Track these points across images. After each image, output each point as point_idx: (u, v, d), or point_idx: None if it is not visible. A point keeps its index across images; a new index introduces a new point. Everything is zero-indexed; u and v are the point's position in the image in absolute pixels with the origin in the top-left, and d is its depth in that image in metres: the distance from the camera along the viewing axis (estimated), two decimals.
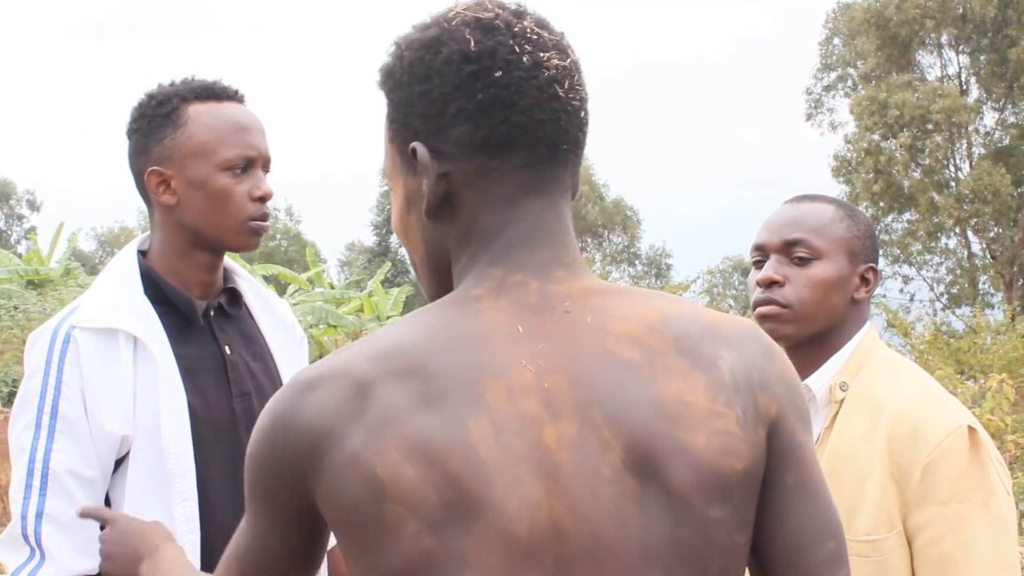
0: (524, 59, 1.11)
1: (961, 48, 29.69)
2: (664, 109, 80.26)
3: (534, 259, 1.13)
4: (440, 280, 1.21)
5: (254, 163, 1.99)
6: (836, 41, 31.62)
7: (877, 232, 1.99)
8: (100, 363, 1.88)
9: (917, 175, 28.40)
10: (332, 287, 20.40)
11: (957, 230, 29.22)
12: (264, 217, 2.01)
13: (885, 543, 1.76)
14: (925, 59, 30.28)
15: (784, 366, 1.16)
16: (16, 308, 13.84)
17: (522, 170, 1.13)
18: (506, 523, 1.02)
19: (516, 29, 1.12)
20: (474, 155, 1.13)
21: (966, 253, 30.08)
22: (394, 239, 46.61)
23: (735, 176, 73.92)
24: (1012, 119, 29.87)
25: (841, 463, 1.83)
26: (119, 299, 1.95)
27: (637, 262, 44.44)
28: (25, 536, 1.83)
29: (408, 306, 31.81)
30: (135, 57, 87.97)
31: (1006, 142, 29.49)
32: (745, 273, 42.16)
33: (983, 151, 29.24)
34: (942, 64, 30.33)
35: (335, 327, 16.56)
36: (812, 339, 1.92)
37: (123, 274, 2.00)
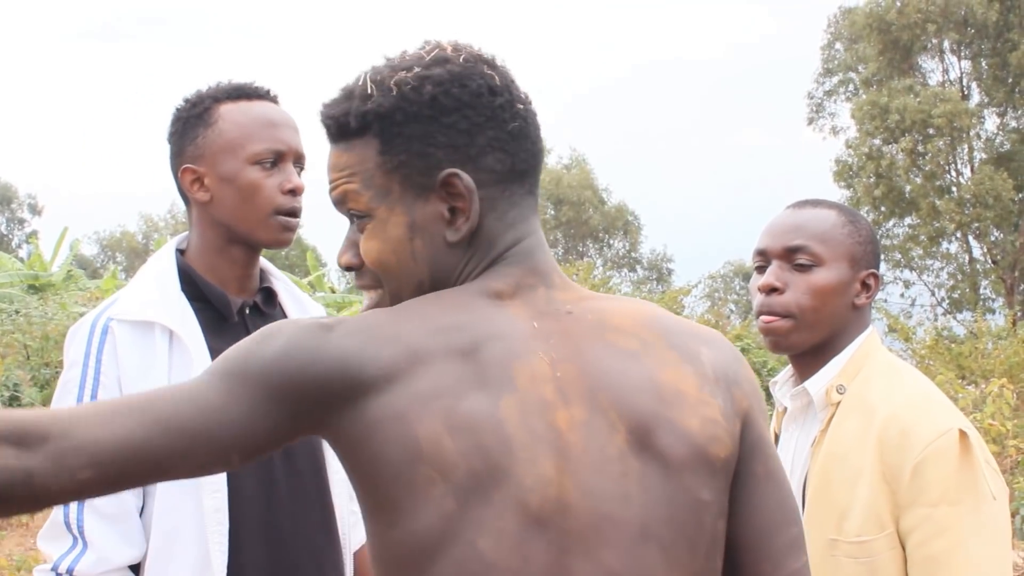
0: (523, 93, 1.24)
1: (963, 53, 29.69)
2: (665, 113, 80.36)
3: (542, 266, 1.24)
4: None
5: (284, 157, 2.04)
6: (838, 45, 31.63)
7: (878, 237, 1.98)
8: (136, 354, 1.93)
9: (918, 180, 28.39)
10: (333, 291, 20.38)
11: (958, 235, 29.20)
12: (294, 212, 2.05)
13: (875, 544, 1.77)
14: (927, 64, 30.30)
15: (749, 370, 1.28)
16: (17, 312, 13.82)
17: (529, 193, 1.25)
18: (522, 494, 1.10)
19: (500, 67, 1.24)
20: (500, 181, 1.22)
21: (967, 258, 30.07)
22: None
23: (736, 180, 73.99)
24: (1013, 124, 29.86)
25: (834, 465, 1.84)
26: (156, 294, 2.00)
27: (638, 267, 44.42)
28: (67, 524, 1.86)
29: None
30: (137, 59, 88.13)
31: (1007, 147, 29.47)
32: (746, 278, 42.15)
33: (984, 156, 29.23)
34: (944, 69, 30.35)
35: None
36: (814, 346, 1.92)
37: (161, 270, 2.05)
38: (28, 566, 6.35)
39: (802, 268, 1.90)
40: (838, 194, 28.72)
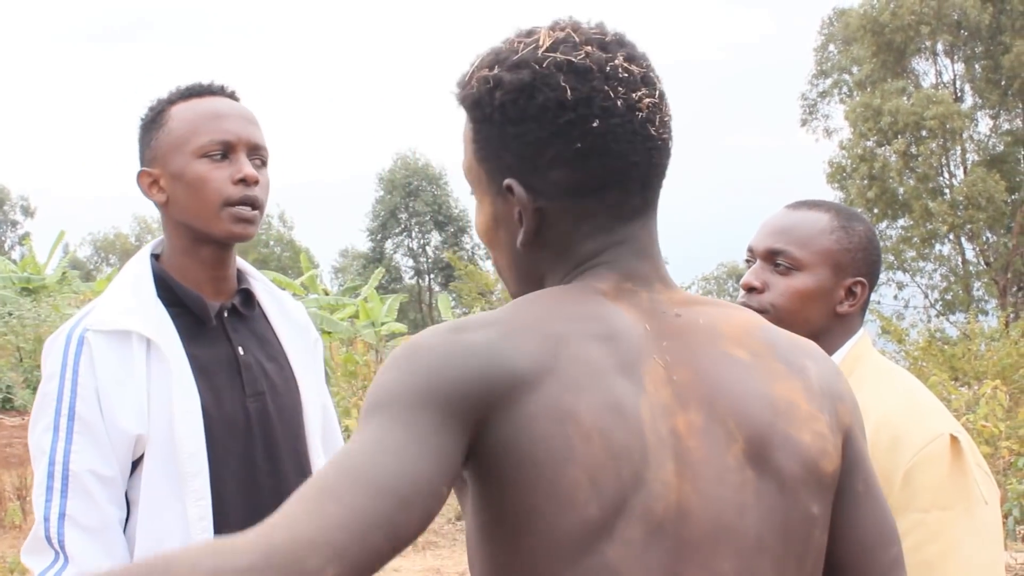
0: (619, 104, 1.14)
1: (956, 55, 29.77)
2: None
3: (638, 273, 1.19)
4: (528, 288, 1.24)
5: (233, 148, 1.98)
6: (831, 47, 31.70)
7: None
8: (113, 364, 1.90)
9: (911, 181, 28.46)
10: (326, 293, 20.39)
11: (951, 237, 29.28)
12: (248, 201, 1.98)
13: None
14: (920, 66, 30.39)
15: (848, 383, 1.24)
16: (10, 314, 13.81)
17: (616, 205, 1.18)
18: (651, 501, 1.06)
19: (608, 70, 1.14)
20: (568, 196, 1.17)
21: (960, 260, 30.14)
22: (388, 245, 46.64)
23: (730, 182, 74.06)
24: (1006, 126, 29.96)
25: None
26: (132, 302, 1.97)
27: None
28: (48, 538, 1.84)
29: (403, 312, 31.73)
30: (131, 62, 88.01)
31: (1000, 149, 29.57)
32: (739, 280, 42.20)
33: (977, 158, 29.31)
34: (937, 71, 30.44)
35: (329, 333, 16.55)
36: None
37: (136, 277, 2.02)
38: (22, 569, 6.35)
39: (782, 271, 1.90)
40: (831, 196, 28.76)
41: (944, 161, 28.94)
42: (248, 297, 2.12)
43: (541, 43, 1.16)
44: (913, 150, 27.74)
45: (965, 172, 28.76)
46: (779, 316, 1.88)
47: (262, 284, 2.18)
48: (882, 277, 29.90)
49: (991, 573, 1.73)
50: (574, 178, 1.16)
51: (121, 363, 1.91)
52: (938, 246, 30.18)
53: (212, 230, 1.98)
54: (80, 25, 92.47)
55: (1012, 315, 19.78)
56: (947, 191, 28.64)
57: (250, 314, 2.11)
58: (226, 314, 2.06)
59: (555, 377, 1.06)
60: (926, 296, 30.64)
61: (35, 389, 10.64)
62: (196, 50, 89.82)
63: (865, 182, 28.19)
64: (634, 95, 1.15)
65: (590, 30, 1.18)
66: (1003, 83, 28.65)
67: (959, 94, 29.84)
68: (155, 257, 2.07)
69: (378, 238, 46.10)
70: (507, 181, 1.17)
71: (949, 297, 30.28)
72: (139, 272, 2.02)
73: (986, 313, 27.16)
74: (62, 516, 1.84)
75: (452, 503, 7.60)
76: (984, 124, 30.06)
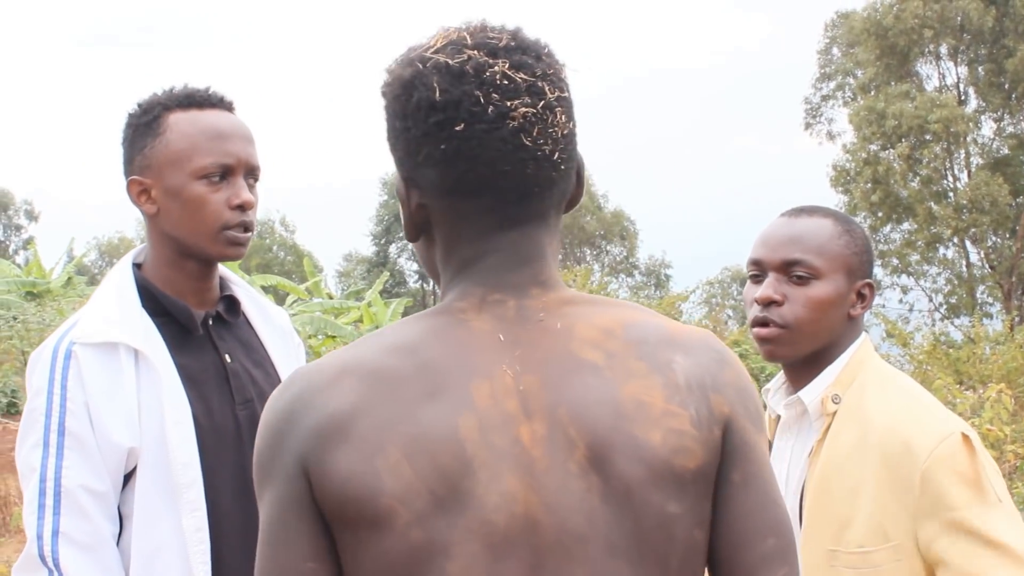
0: (489, 110, 1.13)
1: (959, 58, 29.73)
2: (662, 119, 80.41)
3: (511, 281, 1.20)
4: (438, 282, 1.29)
5: (233, 171, 1.97)
6: (835, 51, 31.68)
7: (875, 242, 1.96)
8: (103, 377, 1.88)
9: (915, 185, 28.41)
10: (331, 297, 20.39)
11: (955, 240, 29.22)
12: (243, 226, 1.98)
13: (876, 555, 1.76)
14: (923, 69, 30.33)
15: (737, 372, 1.22)
16: (15, 319, 13.82)
17: (491, 211, 1.18)
18: (487, 514, 1.09)
19: (486, 75, 1.14)
20: (444, 196, 1.19)
21: (964, 263, 30.08)
22: (393, 249, 46.65)
23: (733, 186, 74.01)
24: (1010, 129, 29.89)
25: (833, 475, 1.83)
26: (117, 313, 1.94)
27: (636, 272, 44.44)
28: (42, 556, 1.81)
29: (407, 316, 31.68)
30: (135, 66, 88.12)
31: (1004, 152, 29.51)
32: (743, 284, 42.13)
33: (981, 161, 29.25)
34: (940, 74, 30.38)
35: (334, 337, 16.54)
36: (808, 356, 1.92)
37: (120, 287, 1.99)
38: None
39: (799, 280, 1.89)
40: (835, 199, 28.77)
41: (948, 164, 28.89)
42: (232, 304, 2.10)
43: (433, 43, 1.18)
44: (917, 154, 27.70)
45: (969, 175, 28.71)
46: (802, 329, 1.88)
47: (244, 290, 2.17)
48: (886, 281, 29.89)
49: None
50: (445, 179, 1.17)
51: (110, 376, 1.88)
52: (942, 250, 30.12)
53: (206, 251, 1.98)
54: (85, 29, 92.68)
55: (1017, 319, 19.77)
56: (951, 195, 28.59)
57: (235, 321, 2.10)
58: (211, 322, 2.04)
59: (365, 416, 1.10)
60: (930, 300, 30.58)
61: None
62: (200, 54, 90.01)
63: (869, 186, 28.14)
64: (508, 103, 1.14)
65: (490, 34, 1.17)
66: (1007, 87, 28.60)
67: (963, 97, 29.80)
68: (136, 266, 2.04)
69: (382, 242, 46.09)
70: (399, 176, 1.22)
71: (953, 301, 30.21)
72: (122, 283, 2.00)
73: (991, 317, 27.07)
74: (55, 533, 1.82)
75: None
76: (988, 127, 30.02)
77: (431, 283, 48.47)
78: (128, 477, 1.90)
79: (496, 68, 1.14)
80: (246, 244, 2.01)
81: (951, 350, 13.48)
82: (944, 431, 1.76)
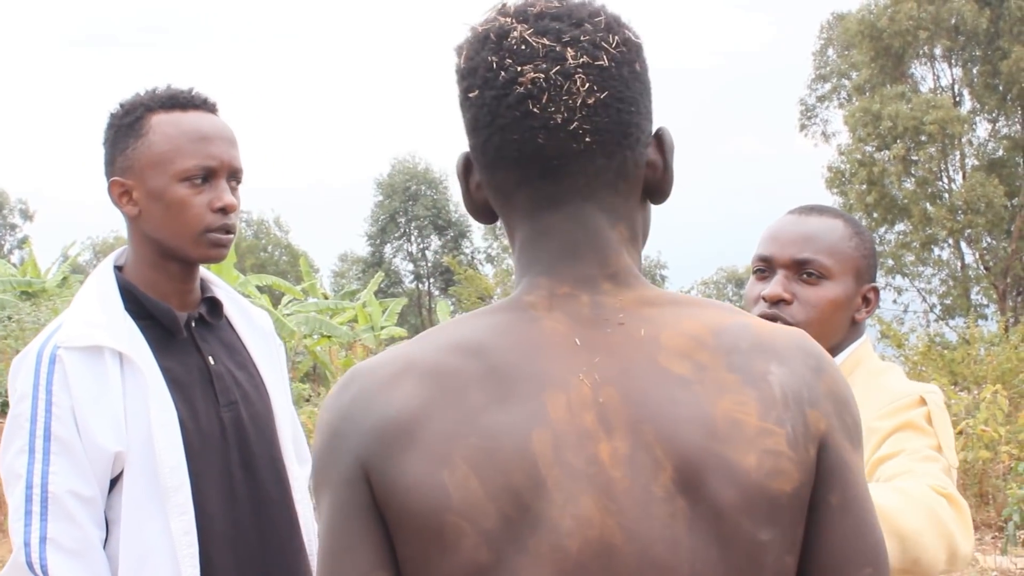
0: (500, 76, 1.08)
1: (954, 60, 29.78)
2: (658, 119, 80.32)
3: (576, 272, 1.11)
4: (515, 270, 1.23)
5: (215, 173, 1.96)
6: (830, 52, 31.72)
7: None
8: (88, 381, 1.87)
9: (910, 186, 28.47)
10: (326, 297, 20.37)
11: (950, 241, 29.27)
12: (225, 229, 1.98)
13: None
14: (918, 70, 30.39)
15: (834, 380, 1.12)
16: (10, 319, 13.80)
17: (524, 186, 1.12)
18: (560, 539, 1.01)
19: (506, 41, 1.08)
20: (483, 169, 1.14)
21: (959, 264, 30.13)
22: (388, 249, 46.62)
23: (729, 187, 74.10)
24: (1005, 130, 29.95)
25: None
26: (100, 316, 1.93)
27: None
28: (30, 564, 1.80)
29: (403, 316, 31.65)
30: (130, 67, 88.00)
31: (999, 153, 29.57)
32: (739, 284, 42.13)
33: (976, 162, 29.31)
34: (935, 76, 30.43)
35: (329, 337, 16.55)
36: None
37: (102, 290, 1.98)
38: None
39: (810, 280, 1.87)
40: (830, 201, 28.75)
41: (943, 166, 28.94)
42: (214, 306, 2.10)
43: (490, 11, 1.13)
44: (912, 155, 27.74)
45: (964, 177, 28.76)
46: (809, 328, 1.84)
47: (225, 292, 2.16)
48: (881, 282, 29.90)
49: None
50: (478, 150, 1.13)
51: (96, 379, 1.87)
52: (937, 251, 30.17)
53: (188, 253, 1.97)
54: (79, 29, 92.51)
55: (1012, 320, 19.78)
56: (946, 196, 28.64)
57: (217, 323, 2.09)
58: (194, 324, 2.04)
59: (429, 421, 1.03)
60: (925, 301, 30.64)
61: None
62: (198, 54, 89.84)
63: (864, 187, 28.18)
64: (520, 68, 1.07)
65: (543, 3, 1.11)
66: (1001, 88, 28.65)
67: (958, 99, 29.85)
68: (118, 269, 2.03)
69: (377, 243, 46.07)
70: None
71: (948, 302, 30.26)
72: (104, 285, 1.99)
73: (985, 318, 27.12)
74: (43, 540, 1.80)
75: None
76: (983, 129, 30.09)
77: (427, 283, 48.48)
78: (114, 482, 1.89)
79: (516, 33, 1.08)
80: (228, 246, 2.01)
81: (946, 351, 13.48)
82: (899, 394, 1.79)
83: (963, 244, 29.43)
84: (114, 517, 1.89)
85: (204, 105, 2.01)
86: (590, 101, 1.08)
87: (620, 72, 1.10)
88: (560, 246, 1.12)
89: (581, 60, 1.08)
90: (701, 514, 1.03)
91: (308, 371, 17.10)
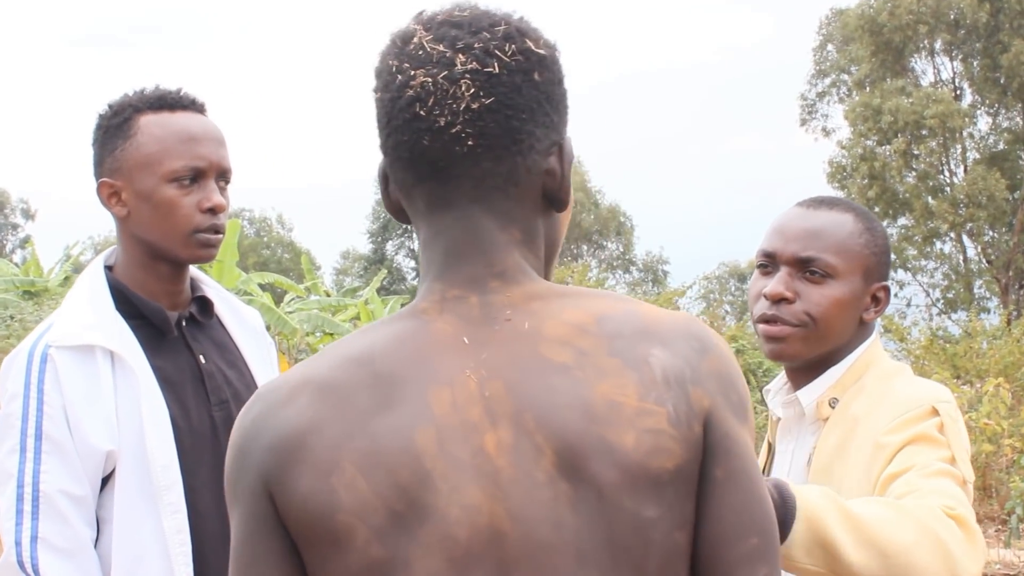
0: (397, 79, 1.13)
1: (954, 53, 29.75)
2: (658, 116, 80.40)
3: (464, 273, 1.15)
4: None
5: (204, 174, 1.97)
6: (830, 47, 31.69)
7: None
8: (80, 380, 1.87)
9: (912, 180, 28.45)
10: (328, 295, 20.37)
11: (952, 235, 29.26)
12: (214, 229, 1.98)
13: None
14: (919, 65, 30.36)
15: (719, 360, 1.14)
16: (12, 318, 13.80)
17: (419, 186, 1.16)
18: (448, 528, 1.05)
19: (407, 46, 1.13)
20: (390, 167, 1.19)
21: (961, 258, 30.12)
22: (390, 247, 46.63)
23: (730, 182, 74.04)
24: (1006, 124, 29.93)
25: (820, 481, 1.74)
26: (91, 316, 1.94)
27: (633, 268, 44.43)
28: (21, 563, 1.80)
29: None
30: (130, 66, 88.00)
31: (1000, 147, 29.55)
32: (741, 279, 42.11)
33: (977, 156, 29.29)
34: (935, 69, 30.41)
35: (331, 335, 16.54)
36: (814, 359, 1.82)
37: (93, 290, 1.99)
38: None
39: (814, 279, 1.78)
40: (834, 195, 28.71)
41: (944, 160, 28.93)
42: (204, 305, 2.10)
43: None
44: (913, 149, 27.73)
45: (965, 170, 28.74)
46: (812, 329, 1.78)
47: (215, 291, 2.16)
48: None
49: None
50: (382, 149, 1.18)
51: (87, 378, 1.88)
52: (939, 244, 30.17)
53: (177, 253, 1.98)
54: (79, 28, 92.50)
55: (1014, 313, 19.78)
56: (948, 189, 28.62)
57: (207, 322, 2.10)
58: (184, 323, 2.04)
59: (319, 433, 1.09)
60: (928, 294, 30.63)
61: None
62: (196, 54, 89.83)
63: (865, 181, 28.16)
64: (413, 72, 1.12)
65: (448, 11, 1.16)
66: (1002, 81, 28.63)
67: (958, 92, 29.83)
68: (108, 268, 2.03)
69: (379, 240, 46.07)
70: None
71: (951, 295, 30.26)
72: (95, 285, 1.99)
73: (988, 311, 27.13)
74: (35, 539, 1.80)
75: None
76: (984, 122, 30.06)
77: None
78: (105, 481, 1.89)
79: (417, 39, 1.13)
80: (217, 246, 2.01)
81: (948, 345, 13.49)
82: (912, 402, 1.71)
83: (965, 238, 29.41)
84: (106, 516, 1.89)
85: (192, 105, 2.01)
86: (474, 106, 1.11)
87: (512, 79, 1.12)
88: (450, 247, 1.16)
89: (470, 66, 1.11)
90: (583, 495, 1.06)
91: None
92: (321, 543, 1.08)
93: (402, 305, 20.44)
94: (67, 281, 18.18)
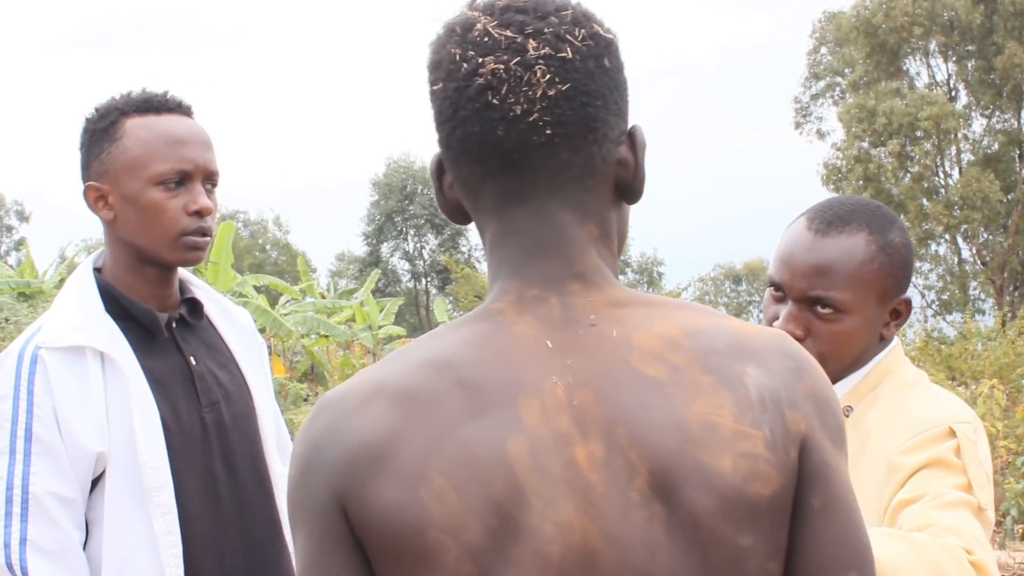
0: (463, 68, 1.06)
1: (949, 55, 29.80)
2: (654, 118, 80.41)
3: (543, 272, 1.09)
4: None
5: (190, 177, 1.96)
6: (823, 50, 31.72)
7: None
8: (70, 382, 1.87)
9: (906, 182, 28.48)
10: (323, 296, 20.36)
11: (947, 237, 29.29)
12: (201, 232, 1.97)
13: None
14: (913, 67, 30.40)
15: (815, 381, 1.09)
16: (7, 320, 13.78)
17: (489, 181, 1.09)
18: (542, 547, 0.99)
19: (470, 33, 1.07)
20: (452, 164, 1.12)
21: (956, 259, 30.16)
22: (385, 249, 46.63)
23: (725, 184, 74.08)
24: (1000, 126, 29.97)
25: None
26: (81, 317, 1.93)
27: (628, 270, 44.48)
28: (10, 565, 1.80)
29: (400, 315, 31.59)
30: (125, 67, 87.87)
31: (995, 148, 29.59)
32: (736, 281, 42.20)
33: (972, 158, 29.33)
34: (930, 71, 30.46)
35: (326, 337, 16.53)
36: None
37: (82, 292, 1.98)
38: None
39: (825, 316, 1.73)
40: (826, 197, 28.74)
41: (939, 161, 28.97)
42: (194, 306, 2.09)
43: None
44: (908, 151, 27.77)
45: (960, 172, 28.79)
46: (827, 362, 1.72)
47: (205, 292, 2.16)
48: None
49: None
50: (444, 144, 1.11)
51: (77, 380, 1.87)
52: (934, 246, 30.19)
53: (164, 257, 1.97)
54: (74, 30, 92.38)
55: (1009, 314, 19.77)
56: (942, 191, 28.66)
57: (197, 323, 2.09)
58: (174, 325, 2.03)
59: (403, 441, 1.01)
60: (922, 296, 30.65)
61: None
62: (190, 55, 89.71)
63: (860, 183, 28.19)
64: (482, 59, 1.05)
65: None
66: (997, 83, 28.68)
67: (953, 94, 29.87)
68: (97, 271, 2.03)
69: (374, 242, 46.07)
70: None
71: (946, 297, 30.30)
72: (84, 287, 1.99)
73: (983, 313, 27.19)
74: (23, 541, 1.80)
75: None
76: (978, 124, 30.10)
77: (424, 282, 48.42)
78: (95, 482, 1.89)
79: (479, 25, 1.06)
80: (204, 249, 2.00)
81: (943, 346, 13.50)
82: (926, 424, 1.67)
83: (960, 239, 29.46)
84: (95, 518, 1.89)
85: (179, 108, 2.01)
86: (551, 93, 1.05)
87: (585, 65, 1.07)
88: (526, 244, 1.10)
89: (543, 51, 1.05)
90: (678, 519, 1.00)
91: (306, 371, 17.10)
92: (406, 560, 1.00)
93: (399, 307, 20.49)
94: (62, 283, 18.16)
